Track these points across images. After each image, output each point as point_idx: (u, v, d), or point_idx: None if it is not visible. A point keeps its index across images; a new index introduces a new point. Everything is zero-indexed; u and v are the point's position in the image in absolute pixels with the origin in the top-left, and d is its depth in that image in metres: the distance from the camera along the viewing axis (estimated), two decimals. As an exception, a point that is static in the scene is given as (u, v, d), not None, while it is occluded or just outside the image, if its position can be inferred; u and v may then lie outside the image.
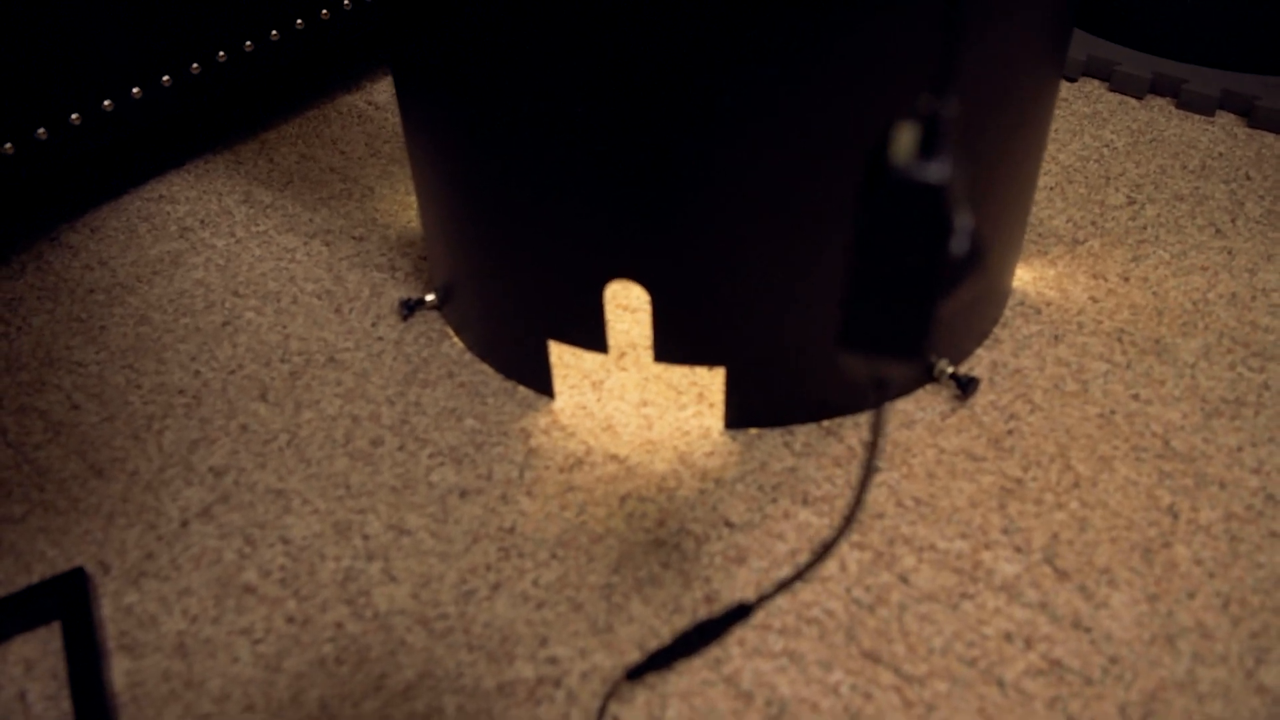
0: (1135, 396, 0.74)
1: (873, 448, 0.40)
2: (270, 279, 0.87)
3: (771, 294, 0.66)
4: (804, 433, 0.72)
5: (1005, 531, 0.65)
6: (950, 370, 0.74)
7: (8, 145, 0.82)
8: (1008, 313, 0.82)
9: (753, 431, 0.72)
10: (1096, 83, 1.11)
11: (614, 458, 0.71)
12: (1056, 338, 0.79)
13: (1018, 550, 0.64)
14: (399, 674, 0.59)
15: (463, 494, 0.69)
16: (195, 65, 0.92)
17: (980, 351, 0.78)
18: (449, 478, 0.70)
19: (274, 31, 0.96)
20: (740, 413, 0.72)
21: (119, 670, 0.60)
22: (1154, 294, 0.83)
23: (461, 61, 0.61)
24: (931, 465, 0.69)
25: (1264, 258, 0.86)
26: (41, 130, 0.83)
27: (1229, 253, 0.87)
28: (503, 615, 0.62)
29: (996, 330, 0.80)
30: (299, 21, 0.98)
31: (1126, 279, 0.85)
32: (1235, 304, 0.82)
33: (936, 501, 0.67)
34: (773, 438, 0.72)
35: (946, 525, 0.66)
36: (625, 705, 0.57)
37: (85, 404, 0.76)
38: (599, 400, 0.74)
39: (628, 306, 0.70)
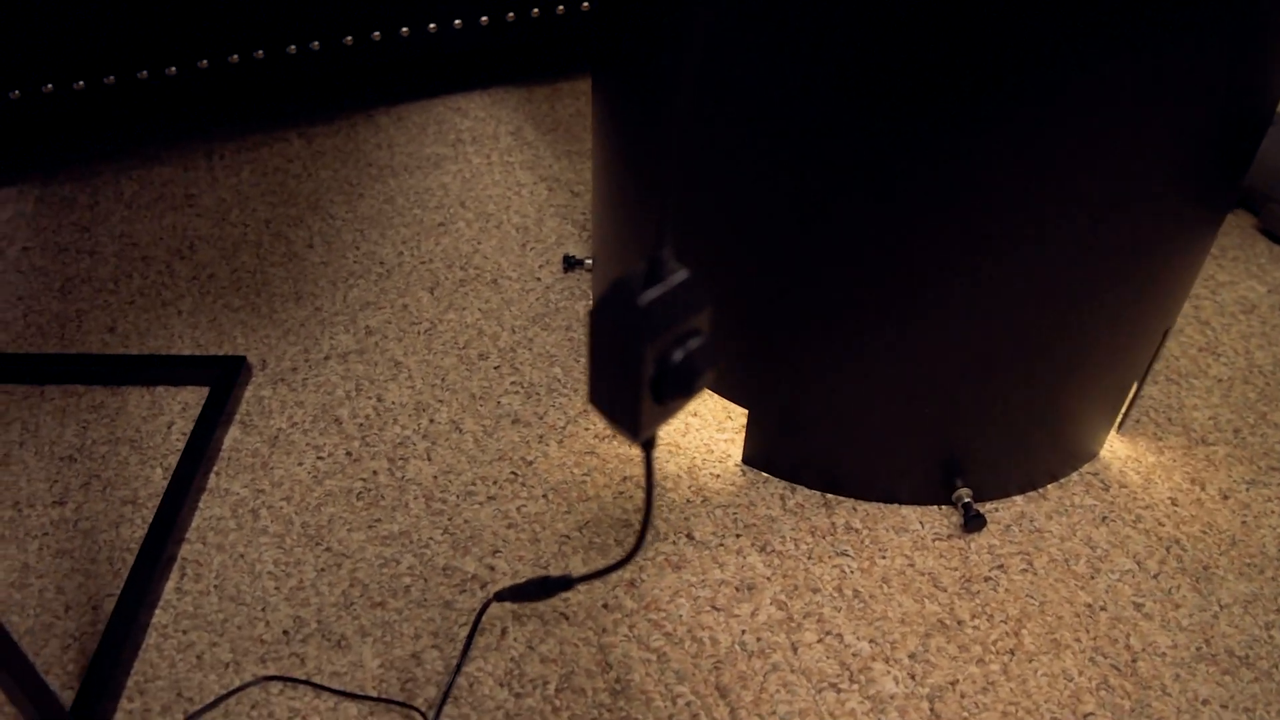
0: (1138, 606, 0.73)
1: (648, 500, 0.49)
2: (492, 202, 1.04)
3: (804, 368, 0.73)
4: (805, 496, 0.79)
5: (912, 657, 0.69)
6: (967, 500, 0.77)
7: (375, 33, 1.05)
8: (1074, 475, 0.82)
9: (763, 474, 0.80)
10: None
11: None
12: (1104, 519, 0.78)
13: (910, 677, 0.68)
14: (388, 525, 0.75)
15: (514, 420, 0.83)
16: (536, 10, 1.10)
17: (1018, 499, 0.80)
18: (514, 405, 0.84)
19: None
20: (756, 455, 0.80)
21: (230, 436, 0.81)
22: (1242, 523, 0.79)
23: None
24: (893, 572, 0.74)
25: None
26: (405, 29, 1.05)
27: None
28: (481, 520, 0.76)
29: (1051, 486, 0.81)
30: None
31: (1226, 498, 0.81)
32: (1320, 569, 0.76)
33: (873, 603, 0.72)
34: (776, 487, 0.79)
35: (865, 625, 0.70)
36: (501, 619, 0.69)
37: (317, 246, 0.98)
38: (661, 396, 0.85)
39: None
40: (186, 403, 0.84)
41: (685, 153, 0.68)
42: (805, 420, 0.76)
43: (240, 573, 0.72)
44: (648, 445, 0.47)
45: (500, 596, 0.64)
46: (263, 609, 0.70)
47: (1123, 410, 0.83)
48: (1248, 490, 0.81)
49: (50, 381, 0.84)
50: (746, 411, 0.79)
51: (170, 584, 0.72)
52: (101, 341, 0.88)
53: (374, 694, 0.66)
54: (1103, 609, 0.73)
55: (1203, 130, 0.62)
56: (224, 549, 0.74)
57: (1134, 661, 0.70)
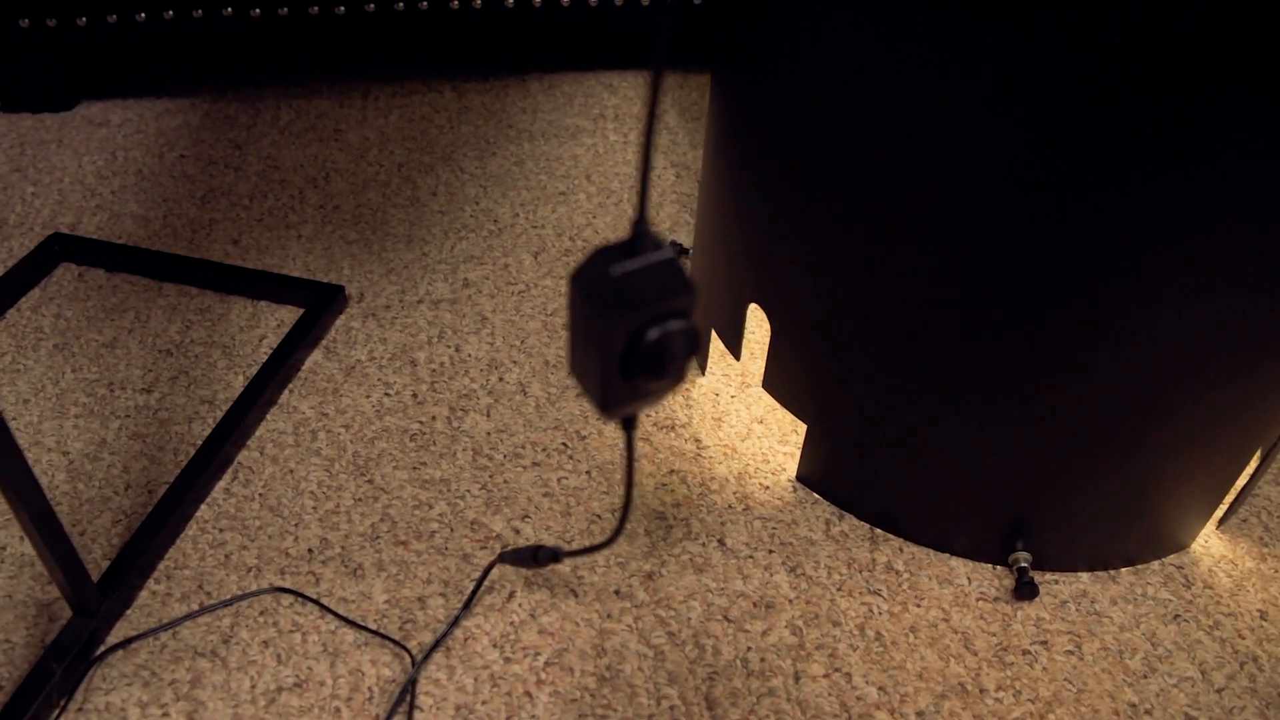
0: (1186, 714, 0.65)
1: (628, 484, 0.47)
2: (617, 179, 1.04)
3: (871, 389, 0.68)
4: (853, 525, 0.74)
5: (920, 714, 0.64)
6: (1024, 564, 0.71)
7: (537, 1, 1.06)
8: (1155, 564, 0.74)
9: (815, 495, 0.76)
10: None
11: (697, 441, 0.79)
12: (1176, 617, 0.71)
13: (914, 732, 0.63)
14: (432, 470, 0.76)
15: (579, 394, 0.82)
16: None
17: (1084, 575, 0.73)
18: (583, 379, 0.83)
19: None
20: (810, 474, 0.76)
21: (311, 358, 0.84)
22: (1339, 656, 0.69)
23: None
24: (924, 623, 0.69)
25: None
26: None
27: None
28: (520, 483, 0.75)
29: (1125, 570, 0.73)
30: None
31: (1327, 624, 0.71)
32: None
33: (894, 649, 0.67)
34: (824, 510, 0.75)
35: (878, 670, 0.66)
36: (512, 583, 0.68)
37: (440, 195, 1.00)
38: (731, 395, 0.82)
39: (755, 333, 0.76)
40: (283, 320, 0.87)
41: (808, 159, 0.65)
42: (864, 446, 0.71)
43: (285, 486, 0.74)
44: (629, 424, 0.45)
45: (501, 558, 0.64)
46: (295, 524, 0.72)
47: (1224, 506, 0.75)
48: (1357, 621, 0.72)
49: (169, 279, 0.89)
50: (799, 426, 0.75)
51: (221, 484, 0.74)
52: (224, 251, 0.93)
53: (373, 626, 0.66)
54: (1148, 712, 0.65)
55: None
56: (277, 461, 0.76)
57: (1170, 777, 0.62)
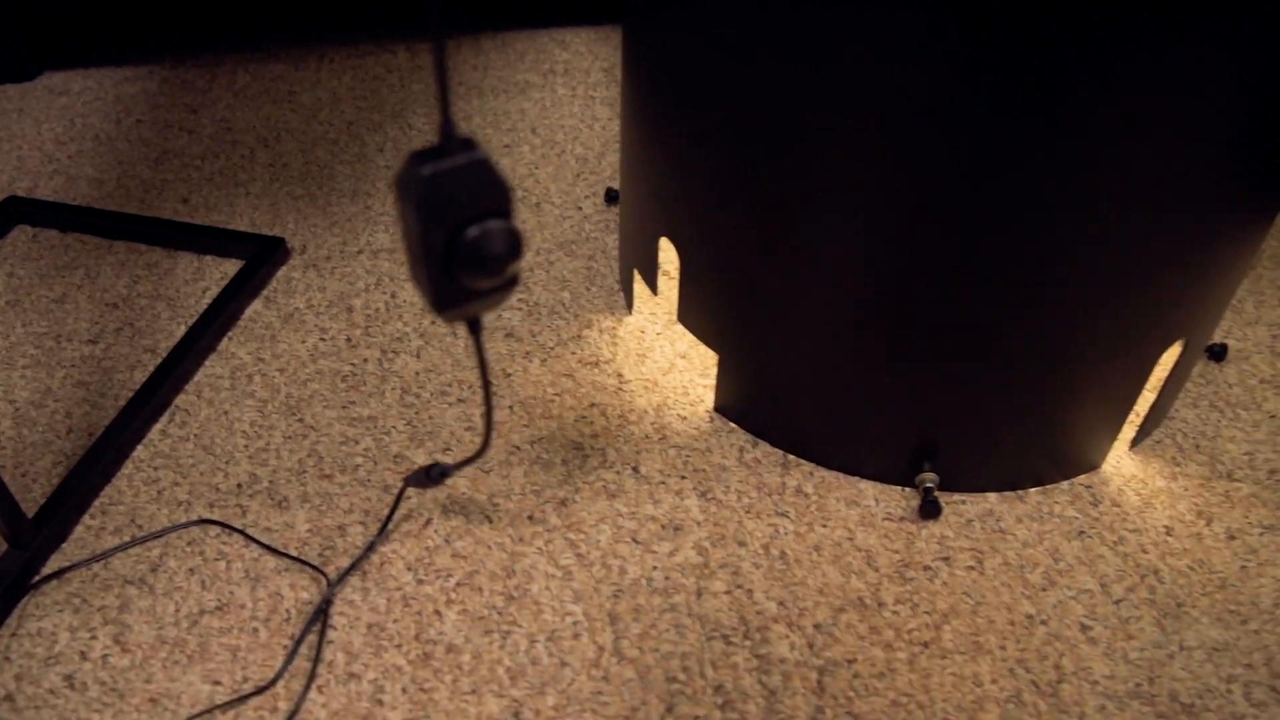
0: (1085, 629, 0.66)
1: (485, 380, 0.49)
2: (562, 131, 1.05)
3: (775, 317, 0.70)
4: (766, 452, 0.76)
5: (817, 627, 0.66)
6: (929, 485, 0.72)
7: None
8: (1065, 484, 0.75)
9: (732, 425, 0.77)
10: None
11: (619, 375, 0.81)
12: (1080, 533, 0.71)
13: (809, 646, 0.65)
14: (361, 408, 0.78)
15: (509, 335, 0.84)
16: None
17: (992, 496, 0.74)
18: (514, 321, 0.85)
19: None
20: (727, 404, 0.77)
21: (252, 307, 0.86)
22: (1241, 568, 0.70)
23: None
24: (828, 542, 0.70)
25: None
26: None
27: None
28: (444, 419, 0.77)
29: (1034, 490, 0.74)
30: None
31: (1232, 538, 0.72)
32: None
33: (796, 567, 0.69)
34: (739, 438, 0.76)
35: (779, 587, 0.67)
36: (429, 511, 0.70)
37: (387, 151, 1.02)
38: (656, 332, 0.84)
39: (668, 270, 0.77)
40: (226, 273, 0.89)
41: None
42: (774, 374, 0.72)
43: (219, 427, 0.77)
44: (474, 329, 0.47)
45: (405, 481, 0.66)
46: (227, 461, 0.74)
47: (1133, 425, 0.75)
48: (1260, 535, 0.72)
49: (120, 238, 0.92)
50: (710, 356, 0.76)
51: (158, 426, 0.77)
52: (174, 209, 0.95)
53: (294, 554, 0.69)
54: (1043, 623, 0.66)
55: (1233, 134, 0.55)
56: (213, 404, 0.79)
57: (1059, 683, 0.63)
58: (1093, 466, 0.75)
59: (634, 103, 0.73)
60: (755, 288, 0.69)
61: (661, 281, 0.79)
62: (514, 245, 0.42)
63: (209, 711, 0.60)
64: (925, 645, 0.65)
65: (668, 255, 0.85)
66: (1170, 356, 0.71)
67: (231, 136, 1.03)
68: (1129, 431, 0.76)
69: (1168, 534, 0.72)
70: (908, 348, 0.66)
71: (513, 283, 0.44)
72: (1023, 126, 0.54)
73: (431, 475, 0.61)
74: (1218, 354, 0.84)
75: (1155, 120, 0.54)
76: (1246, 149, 0.58)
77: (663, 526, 0.71)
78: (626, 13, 0.72)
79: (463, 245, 0.41)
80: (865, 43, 0.54)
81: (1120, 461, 0.76)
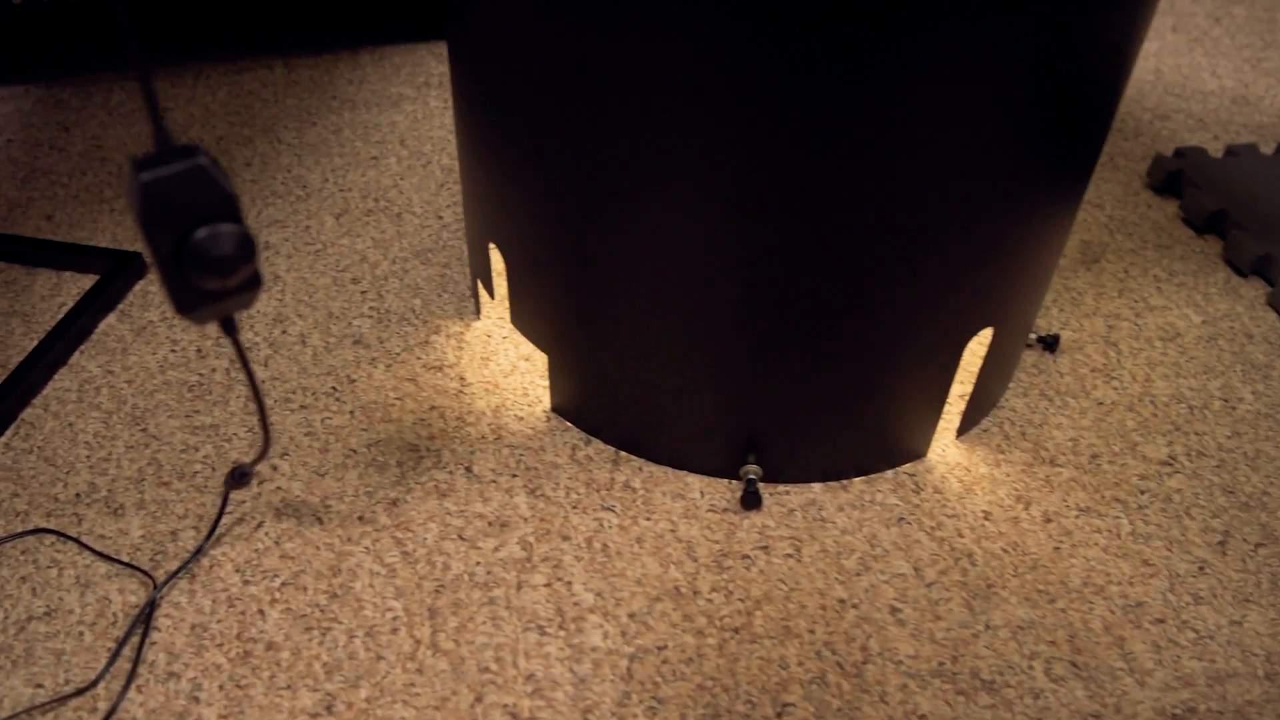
0: (894, 611, 0.70)
1: (250, 377, 0.52)
2: (430, 143, 1.09)
3: (597, 316, 0.73)
4: (599, 450, 0.80)
5: (632, 616, 0.69)
6: (751, 477, 0.76)
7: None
8: (889, 473, 0.79)
9: (568, 424, 0.81)
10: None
11: (461, 379, 0.84)
12: (899, 520, 0.76)
13: (621, 634, 0.68)
14: (204, 417, 0.81)
15: (356, 341, 0.87)
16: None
17: (817, 487, 0.78)
18: (363, 328, 0.89)
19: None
20: (562, 404, 0.81)
21: (106, 321, 0.90)
22: (1054, 549, 0.74)
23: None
24: (650, 534, 0.74)
25: (1229, 593, 0.72)
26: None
27: (1199, 569, 0.74)
28: (285, 425, 0.80)
29: (858, 480, 0.78)
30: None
31: (1048, 521, 0.76)
32: (1128, 611, 0.71)
33: (617, 559, 0.72)
34: (573, 437, 0.80)
35: (599, 578, 0.71)
36: (262, 514, 0.74)
37: (254, 165, 1.06)
38: (503, 335, 0.88)
39: (500, 270, 0.81)
40: (84, 288, 0.92)
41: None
42: (601, 373, 0.76)
43: (63, 439, 0.80)
44: (228, 329, 0.51)
45: (225, 483, 0.69)
46: (67, 472, 0.77)
47: (958, 414, 0.80)
48: (1076, 518, 0.76)
49: (-22, 254, 0.95)
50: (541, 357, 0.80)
51: (2, 440, 0.80)
52: (36, 227, 0.98)
53: (125, 559, 0.72)
54: (854, 606, 0.70)
55: (1031, 123, 0.59)
56: (59, 417, 0.82)
57: (864, 664, 0.67)
58: (918, 455, 0.79)
59: (456, 114, 0.77)
60: (577, 289, 0.73)
61: (499, 285, 0.83)
62: (244, 248, 0.46)
63: (27, 712, 0.63)
64: (736, 631, 0.68)
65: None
66: (981, 344, 0.75)
67: (101, 154, 1.07)
68: (954, 420, 0.80)
69: (985, 519, 0.76)
70: (729, 343, 0.70)
71: (255, 283, 0.48)
72: (824, 120, 0.58)
73: (235, 477, 0.65)
74: (1050, 344, 0.88)
75: (953, 108, 0.58)
76: (1045, 138, 0.62)
77: (489, 523, 0.74)
78: (447, 29, 0.76)
79: (190, 249, 0.45)
80: (666, 44, 0.58)
81: (946, 450, 0.81)
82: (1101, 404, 0.85)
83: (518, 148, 0.69)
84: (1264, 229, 1.00)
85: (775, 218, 0.63)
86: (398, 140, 1.09)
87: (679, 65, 0.58)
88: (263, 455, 0.64)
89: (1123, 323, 0.93)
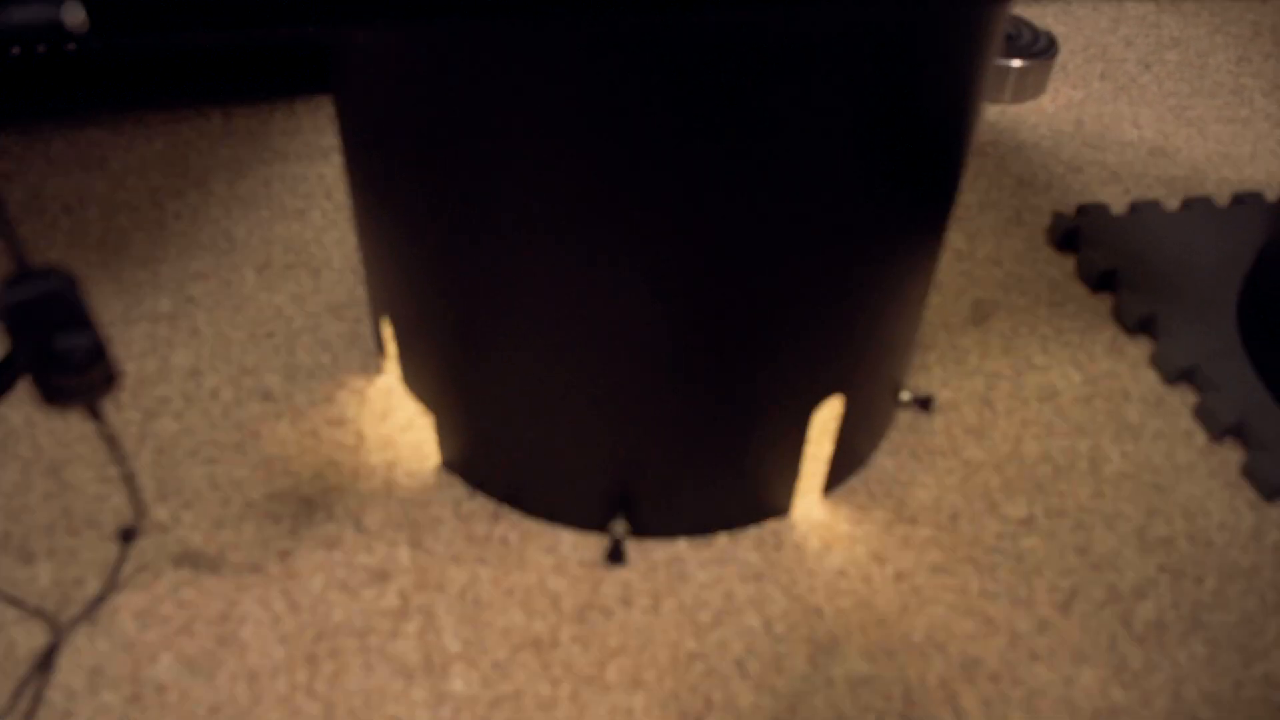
0: (740, 665, 0.79)
1: (119, 456, 0.61)
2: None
3: (472, 377, 0.82)
4: (482, 505, 0.88)
5: (495, 665, 0.78)
6: (618, 534, 0.84)
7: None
8: (753, 530, 0.87)
9: (456, 479, 0.90)
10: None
11: (359, 434, 0.93)
12: (757, 576, 0.84)
13: (483, 681, 0.77)
14: (115, 468, 0.90)
15: (265, 396, 0.96)
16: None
17: (683, 543, 0.86)
18: (273, 382, 0.98)
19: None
20: (450, 459, 0.90)
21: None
22: (901, 607, 0.83)
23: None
24: (520, 587, 0.82)
25: (1066, 651, 0.80)
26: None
27: (1040, 627, 0.82)
28: (191, 477, 0.89)
29: (724, 536, 0.87)
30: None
31: (900, 579, 0.84)
32: (965, 668, 0.79)
33: (487, 610, 0.81)
34: (459, 492, 0.89)
35: (468, 628, 0.80)
36: (161, 564, 0.83)
37: (184, 217, 1.15)
38: (404, 393, 0.96)
39: (389, 334, 0.90)
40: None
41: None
42: (481, 432, 0.85)
43: (-17, 487, 0.89)
44: (94, 413, 0.60)
45: (119, 538, 0.78)
46: (-16, 520, 0.87)
47: (817, 474, 0.88)
48: (928, 576, 0.85)
49: (-84, 305, 1.04)
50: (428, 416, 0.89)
51: (-74, 486, 0.89)
52: (-27, 277, 1.08)
53: (32, 604, 0.81)
54: (701, 659, 0.79)
55: (869, 194, 0.67)
56: (-19, 465, 0.91)
57: (704, 714, 0.76)
58: (781, 512, 0.88)
59: (347, 178, 0.86)
60: (456, 353, 0.82)
61: (389, 347, 0.92)
62: (95, 353, 0.54)
63: (-69, 748, 0.72)
64: (589, 680, 0.77)
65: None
66: (832, 411, 0.84)
67: (38, 204, 1.16)
68: (818, 480, 0.89)
69: (840, 575, 0.84)
70: (598, 403, 0.79)
71: (109, 379, 0.57)
72: (677, 200, 0.67)
73: (124, 534, 0.74)
74: (924, 404, 0.97)
75: (790, 187, 0.67)
76: (884, 216, 0.71)
77: (371, 574, 0.83)
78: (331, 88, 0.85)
79: (50, 355, 0.54)
80: (521, 122, 0.67)
81: (811, 508, 0.89)
82: (969, 464, 0.93)
83: (393, 220, 0.78)
84: (1151, 288, 1.07)
85: (637, 289, 0.71)
86: (324, 193, 1.18)
87: (536, 145, 0.66)
88: (138, 518, 0.73)
89: (1003, 381, 1.01)
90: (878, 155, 0.68)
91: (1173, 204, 1.24)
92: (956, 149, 0.75)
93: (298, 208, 1.16)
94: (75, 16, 0.48)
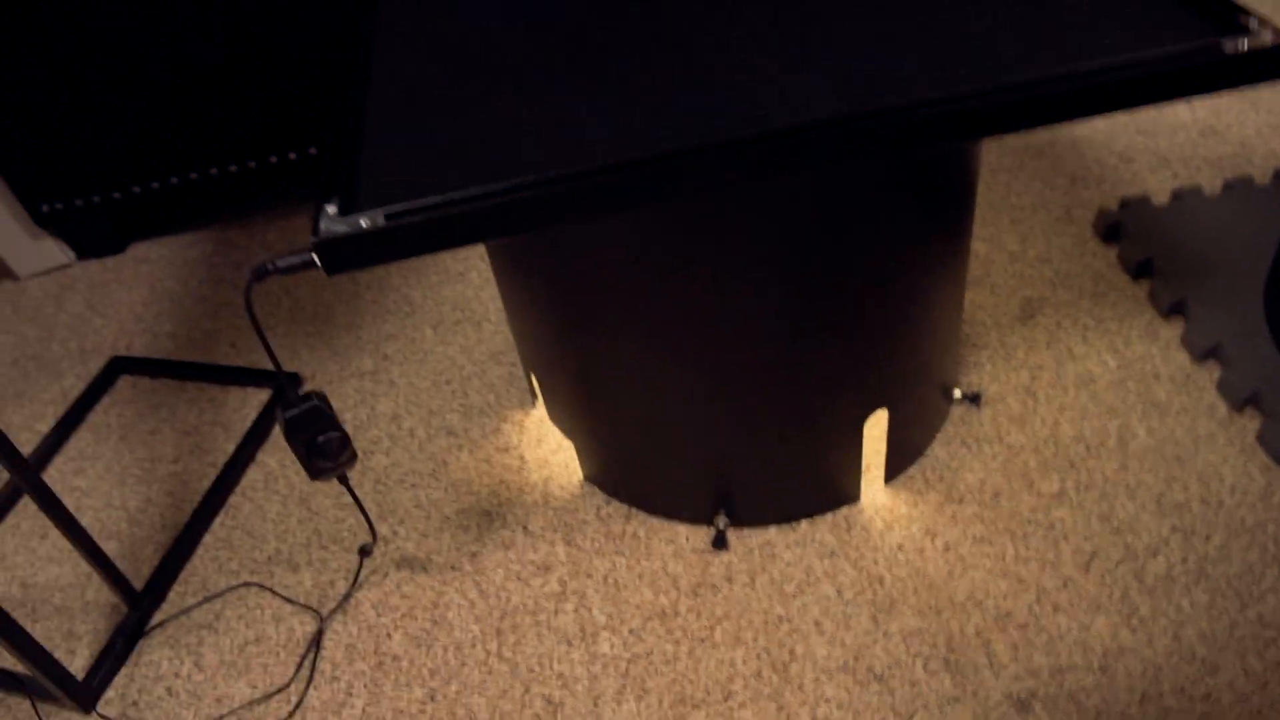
0: (817, 624, 1.05)
1: (361, 508, 0.92)
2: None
3: (599, 412, 1.10)
4: (616, 509, 1.17)
5: (631, 631, 1.07)
6: (722, 525, 1.11)
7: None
8: (829, 515, 1.12)
9: (596, 489, 1.19)
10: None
11: (522, 457, 1.23)
12: (831, 554, 1.09)
13: (623, 644, 1.06)
14: (346, 497, 1.23)
15: (449, 432, 1.28)
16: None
17: (773, 529, 1.12)
18: (454, 420, 1.29)
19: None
20: (591, 475, 1.18)
21: (276, 428, 1.33)
22: (948, 573, 1.06)
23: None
24: (648, 571, 1.11)
25: (1084, 604, 1.02)
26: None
27: (1064, 584, 1.04)
28: (401, 499, 1.22)
29: (805, 522, 1.12)
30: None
31: (947, 550, 1.08)
32: (998, 620, 1.02)
33: (624, 591, 1.09)
34: (598, 500, 1.18)
35: (610, 605, 1.08)
36: (386, 567, 1.15)
37: (373, 288, 1.47)
38: (550, 423, 1.26)
39: (536, 384, 1.19)
40: (262, 401, 1.37)
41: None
42: (612, 454, 1.13)
43: (254, 517, 1.24)
44: (343, 481, 0.91)
45: (359, 553, 1.11)
46: (261, 539, 1.21)
47: (879, 467, 1.12)
48: (971, 546, 1.08)
49: (189, 379, 1.40)
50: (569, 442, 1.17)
51: (218, 520, 1.25)
52: (224, 353, 1.43)
53: (301, 600, 1.15)
54: (787, 621, 1.05)
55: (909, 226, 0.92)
56: (253, 501, 1.26)
57: (789, 663, 1.02)
58: (853, 500, 1.13)
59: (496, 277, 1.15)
60: (584, 403, 1.10)
61: (538, 393, 1.21)
62: (343, 446, 0.85)
63: (249, 704, 1.07)
64: (701, 640, 1.05)
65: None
66: (880, 420, 1.07)
67: (265, 287, 1.51)
68: (880, 472, 1.13)
69: (898, 549, 1.09)
70: (700, 427, 1.05)
71: (353, 458, 0.87)
72: (752, 292, 0.93)
73: (362, 550, 1.06)
74: (974, 399, 1.19)
75: (852, 269, 0.92)
76: (912, 293, 0.95)
77: (538, 567, 1.13)
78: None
79: (315, 449, 0.85)
80: (632, 252, 0.95)
81: (876, 495, 1.13)
82: (1011, 448, 1.15)
83: (532, 311, 1.07)
84: (1185, 273, 1.25)
85: (729, 349, 0.97)
86: (478, 256, 1.48)
87: (671, 267, 0.93)
88: (373, 541, 1.05)
89: (1045, 372, 1.22)
90: (918, 241, 0.91)
91: (1216, 185, 1.39)
92: (968, 214, 0.97)
93: (459, 270, 1.47)
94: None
